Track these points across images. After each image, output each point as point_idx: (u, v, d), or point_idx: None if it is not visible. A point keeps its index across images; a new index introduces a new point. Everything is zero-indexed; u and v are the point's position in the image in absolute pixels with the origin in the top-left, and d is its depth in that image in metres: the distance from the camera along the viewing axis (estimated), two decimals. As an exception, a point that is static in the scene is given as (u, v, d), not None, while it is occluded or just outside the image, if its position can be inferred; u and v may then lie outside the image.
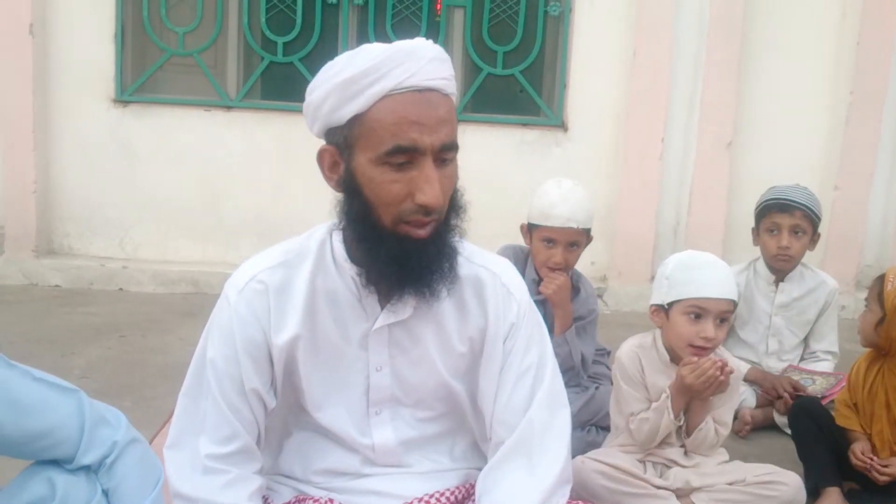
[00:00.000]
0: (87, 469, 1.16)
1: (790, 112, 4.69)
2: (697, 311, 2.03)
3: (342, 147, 1.30)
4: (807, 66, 4.66)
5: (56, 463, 1.14)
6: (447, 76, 1.29)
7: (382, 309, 1.38)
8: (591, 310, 2.62)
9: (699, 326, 2.03)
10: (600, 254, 4.63)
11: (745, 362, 2.97)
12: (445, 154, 1.27)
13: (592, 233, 2.59)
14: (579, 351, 2.51)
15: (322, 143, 1.35)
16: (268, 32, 4.57)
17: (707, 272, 2.05)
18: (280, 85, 4.66)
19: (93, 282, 4.48)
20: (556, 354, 2.42)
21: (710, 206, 4.63)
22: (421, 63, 1.25)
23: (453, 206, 1.34)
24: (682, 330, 2.05)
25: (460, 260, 1.42)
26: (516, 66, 4.67)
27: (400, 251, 1.28)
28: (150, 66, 4.60)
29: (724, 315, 2.04)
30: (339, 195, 1.33)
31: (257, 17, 4.57)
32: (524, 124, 4.67)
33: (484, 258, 1.47)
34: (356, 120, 1.26)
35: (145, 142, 4.57)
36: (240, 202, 4.57)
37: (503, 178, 4.48)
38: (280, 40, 4.56)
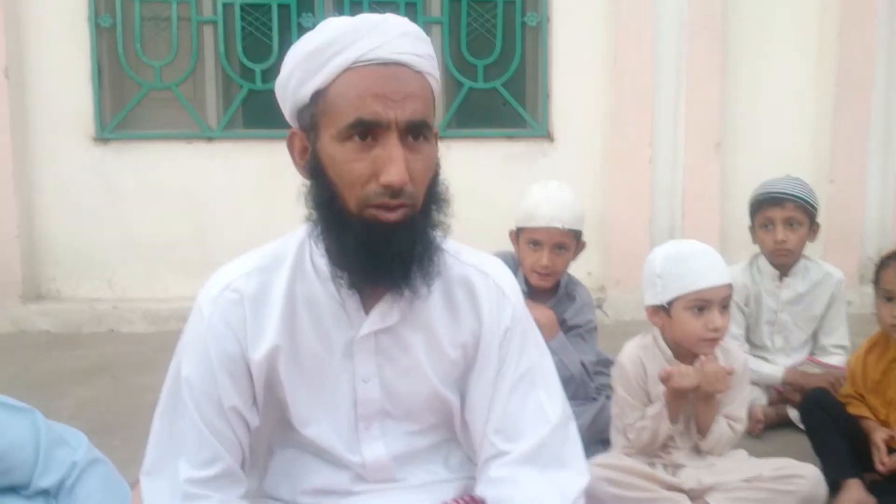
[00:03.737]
0: (45, 494, 1.07)
1: (777, 107, 4.66)
2: (701, 303, 1.96)
3: (309, 129, 1.22)
4: (790, 61, 4.64)
5: (12, 490, 1.05)
6: (420, 53, 1.20)
7: (367, 315, 1.29)
8: (587, 319, 2.52)
9: (705, 318, 1.96)
10: (596, 264, 4.56)
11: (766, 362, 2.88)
12: (415, 132, 1.18)
13: (585, 240, 2.51)
14: (576, 360, 2.40)
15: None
16: (245, 60, 4.53)
17: (699, 261, 1.98)
18: (261, 113, 4.61)
19: (83, 325, 4.39)
20: None
21: (704, 208, 4.57)
22: (388, 36, 1.18)
23: (432, 195, 1.24)
24: (689, 326, 1.98)
25: (449, 259, 1.34)
26: (497, 79, 4.63)
27: (367, 237, 1.18)
28: (129, 102, 4.55)
29: (726, 301, 1.97)
30: (307, 181, 1.25)
31: (234, 46, 4.53)
32: (509, 137, 4.62)
33: (475, 258, 1.39)
34: (320, 96, 1.19)
35: (128, 179, 4.50)
36: (226, 234, 4.50)
37: (491, 192, 4.41)
38: (258, 67, 4.51)
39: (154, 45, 4.57)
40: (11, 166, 4.30)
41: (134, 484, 1.43)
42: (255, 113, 4.64)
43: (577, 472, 1.32)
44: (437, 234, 1.26)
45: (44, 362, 3.79)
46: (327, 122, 1.18)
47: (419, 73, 1.20)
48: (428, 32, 4.38)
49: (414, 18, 4.48)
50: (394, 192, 1.16)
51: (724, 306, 1.97)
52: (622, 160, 4.52)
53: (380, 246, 1.18)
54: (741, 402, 2.12)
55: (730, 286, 1.99)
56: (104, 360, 3.79)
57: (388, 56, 1.17)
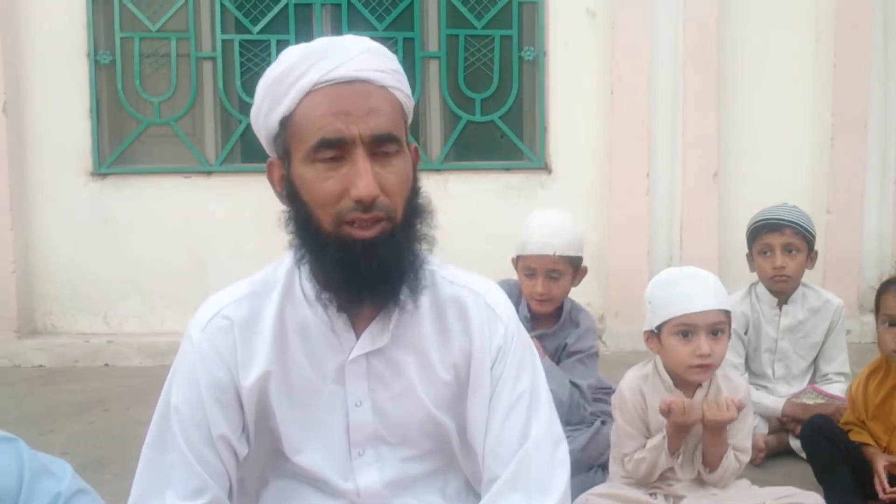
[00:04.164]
0: (27, 526, 1.04)
1: (774, 138, 4.67)
2: (685, 328, 1.93)
3: (283, 156, 1.23)
4: (786, 91, 4.65)
5: (-9, 521, 1.02)
6: (382, 68, 1.20)
7: (358, 337, 1.28)
8: (589, 345, 2.50)
9: (692, 344, 1.92)
10: (595, 294, 4.53)
11: (765, 392, 2.84)
12: (383, 146, 1.18)
13: (586, 265, 2.50)
14: (565, 385, 2.38)
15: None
16: (243, 95, 4.55)
17: (686, 286, 1.96)
18: (259, 147, 4.56)
19: (77, 359, 4.35)
20: None
21: (702, 238, 4.56)
22: (346, 55, 1.18)
23: (412, 208, 1.24)
24: (676, 352, 1.95)
25: (439, 279, 1.33)
26: (495, 112, 4.65)
27: (345, 255, 1.18)
28: (127, 137, 4.56)
29: (717, 327, 1.93)
30: (286, 208, 1.25)
31: (233, 81, 4.56)
32: (508, 169, 4.63)
33: (466, 279, 1.37)
34: (287, 122, 1.19)
35: (126, 213, 4.49)
36: (225, 268, 4.47)
37: (490, 224, 4.41)
38: (256, 102, 4.53)
39: (153, 81, 4.59)
40: (9, 201, 4.29)
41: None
42: (253, 147, 4.64)
43: (558, 498, 1.28)
44: (421, 247, 1.26)
45: (37, 397, 3.75)
46: (296, 146, 1.19)
47: (383, 87, 1.20)
48: (426, 67, 4.42)
49: (412, 53, 4.53)
50: (365, 206, 1.16)
51: (715, 332, 1.93)
52: (620, 191, 4.52)
53: (359, 264, 1.18)
54: (746, 433, 2.09)
55: (721, 312, 1.94)
56: (98, 395, 3.75)
57: (348, 74, 1.17)
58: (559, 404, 2.27)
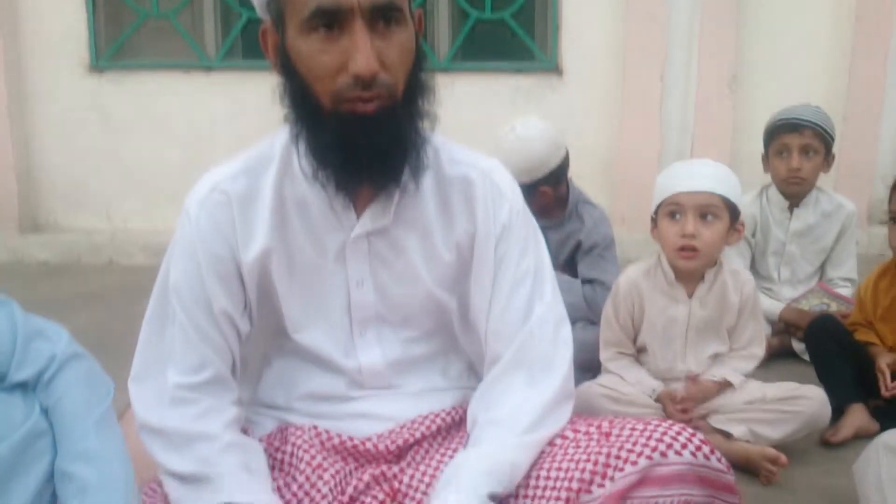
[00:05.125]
0: (23, 387, 1.02)
1: (794, 43, 4.51)
2: (674, 208, 1.92)
3: (277, 22, 1.15)
4: (808, -6, 4.48)
5: (-13, 382, 1.01)
6: None
7: (359, 217, 1.24)
8: (603, 235, 2.50)
9: (679, 225, 1.90)
10: (603, 201, 4.42)
11: (768, 295, 2.82)
12: (385, 16, 1.09)
13: (545, 188, 2.45)
14: (578, 292, 2.37)
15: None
16: (245, -12, 4.40)
17: (683, 170, 1.94)
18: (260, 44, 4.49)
19: (81, 255, 4.35)
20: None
21: (715, 146, 4.45)
22: None
23: (414, 83, 1.16)
24: (665, 233, 1.95)
25: (443, 157, 1.28)
26: (506, 9, 4.48)
27: (343, 132, 1.11)
28: (125, 30, 4.44)
29: (707, 210, 1.90)
30: (281, 80, 1.17)
31: (234, -28, 4.41)
32: (517, 70, 4.50)
33: (471, 157, 1.32)
34: None
35: (125, 109, 4.42)
36: (227, 166, 4.42)
37: (498, 129, 4.31)
38: (258, -5, 4.38)
39: (151, -29, 4.45)
40: (6, 97, 4.23)
41: (123, 411, 1.39)
42: (254, 42, 4.45)
43: (561, 377, 1.26)
44: (423, 125, 1.19)
45: (40, 292, 3.77)
46: (291, 13, 1.11)
47: None
48: (435, -41, 4.11)
49: (419, -55, 4.35)
50: (365, 82, 1.08)
51: (704, 215, 1.90)
52: (633, 95, 4.41)
53: (358, 141, 1.12)
54: (755, 337, 2.06)
55: (713, 196, 1.90)
56: (102, 290, 3.77)
57: None
58: (577, 309, 2.26)
